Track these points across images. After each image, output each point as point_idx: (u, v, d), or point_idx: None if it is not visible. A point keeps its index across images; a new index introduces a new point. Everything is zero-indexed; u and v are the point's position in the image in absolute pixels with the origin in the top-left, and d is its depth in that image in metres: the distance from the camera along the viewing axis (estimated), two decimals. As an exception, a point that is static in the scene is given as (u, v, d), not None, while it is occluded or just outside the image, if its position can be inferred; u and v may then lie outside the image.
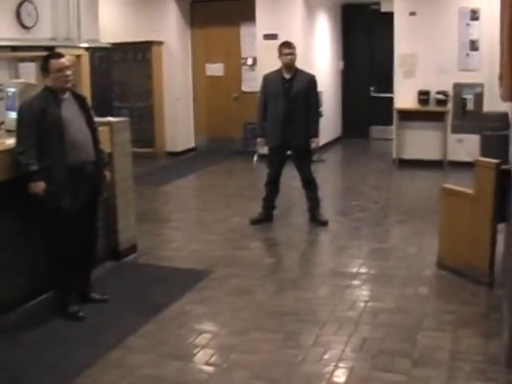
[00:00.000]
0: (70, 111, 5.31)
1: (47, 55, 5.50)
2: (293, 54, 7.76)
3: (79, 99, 5.46)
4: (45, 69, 5.31)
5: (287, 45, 7.82)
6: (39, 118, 5.13)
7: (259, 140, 8.11)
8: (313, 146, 7.89)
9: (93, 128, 5.50)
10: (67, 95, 5.36)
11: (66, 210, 5.22)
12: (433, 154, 11.61)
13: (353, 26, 15.33)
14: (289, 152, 8.00)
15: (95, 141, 5.51)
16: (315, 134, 7.87)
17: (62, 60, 5.33)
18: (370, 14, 14.96)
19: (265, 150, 8.29)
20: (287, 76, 7.81)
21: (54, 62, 5.27)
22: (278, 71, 7.87)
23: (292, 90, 7.76)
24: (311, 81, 7.91)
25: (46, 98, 5.22)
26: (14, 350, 4.80)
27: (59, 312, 5.35)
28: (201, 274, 6.33)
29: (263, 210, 8.12)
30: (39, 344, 4.89)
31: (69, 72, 5.32)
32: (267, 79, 7.98)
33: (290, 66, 7.78)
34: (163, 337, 4.99)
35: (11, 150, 5.26)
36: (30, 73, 7.07)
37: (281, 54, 7.78)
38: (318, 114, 8.20)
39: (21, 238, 5.50)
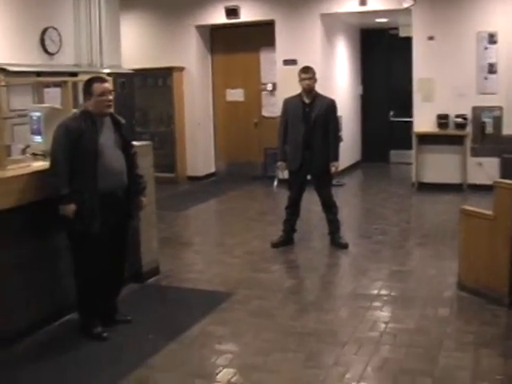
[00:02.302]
0: (106, 136, 5.33)
1: (90, 79, 5.47)
2: (311, 78, 7.85)
3: (117, 125, 5.47)
4: (87, 92, 5.32)
5: (306, 70, 7.92)
6: (75, 141, 5.14)
7: (280, 164, 8.19)
8: (332, 170, 7.94)
9: (129, 154, 5.51)
10: (106, 120, 5.38)
11: (95, 234, 5.23)
12: (452, 178, 11.62)
13: (372, 50, 15.46)
14: (309, 176, 8.07)
15: (133, 166, 5.53)
16: (335, 159, 7.93)
17: (105, 84, 5.37)
18: (388, 39, 15.08)
19: (285, 174, 8.35)
20: (307, 100, 7.89)
21: (96, 86, 5.28)
22: (298, 96, 7.96)
23: (312, 115, 7.84)
24: (331, 105, 7.99)
25: (84, 121, 5.23)
26: (39, 370, 4.86)
27: (84, 332, 5.41)
28: (222, 295, 6.39)
29: (284, 233, 8.18)
30: (64, 364, 4.96)
31: (111, 97, 5.35)
32: (287, 104, 8.07)
33: (309, 91, 7.87)
34: (186, 356, 5.05)
35: (38, 173, 5.35)
36: (54, 98, 7.19)
37: (300, 79, 7.87)
38: (338, 139, 8.25)
39: (48, 259, 5.59)
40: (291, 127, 7.94)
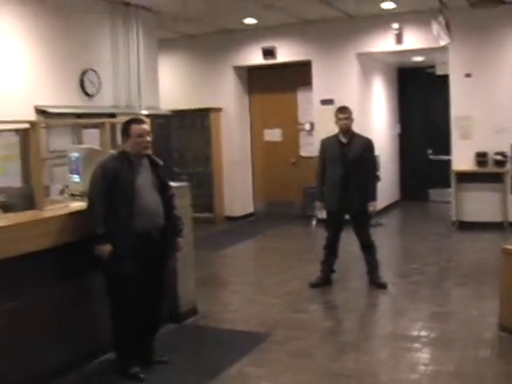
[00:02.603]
0: (143, 177, 5.36)
1: (128, 120, 5.54)
2: (348, 118, 7.85)
3: (155, 166, 5.49)
4: (125, 133, 5.37)
5: (343, 109, 7.93)
6: (112, 181, 5.18)
7: (317, 204, 8.17)
8: (370, 209, 7.90)
9: (167, 195, 5.54)
10: (143, 161, 5.42)
11: (130, 275, 5.23)
12: (493, 216, 11.49)
13: (409, 89, 15.46)
14: (347, 216, 8.04)
15: (170, 207, 5.55)
16: (373, 198, 7.90)
17: (144, 126, 5.41)
18: (425, 77, 15.05)
19: (323, 213, 8.31)
20: (344, 140, 7.88)
21: (134, 127, 5.34)
22: (335, 136, 7.96)
23: (349, 155, 7.82)
24: (368, 144, 7.98)
25: (121, 161, 5.27)
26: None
27: (120, 372, 5.40)
28: (260, 336, 6.35)
29: (322, 273, 8.13)
30: (101, 405, 4.96)
31: (149, 138, 5.39)
32: (325, 144, 8.07)
33: (346, 131, 7.86)
34: (223, 398, 5.02)
35: (76, 214, 5.39)
36: (93, 139, 7.26)
37: (337, 119, 7.88)
38: (376, 178, 8.24)
39: (84, 299, 5.61)
40: (329, 167, 7.93)
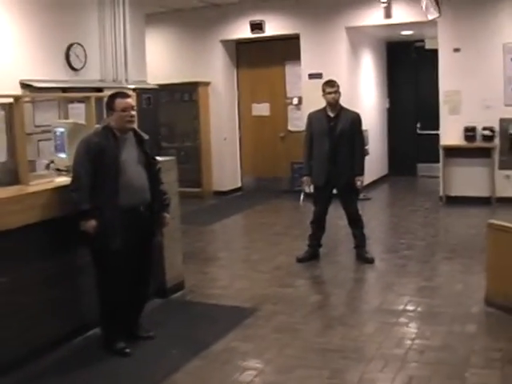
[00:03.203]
0: (128, 152, 5.31)
1: (113, 94, 5.47)
2: (336, 92, 7.80)
3: (140, 140, 5.44)
4: (109, 107, 5.31)
5: (330, 83, 7.87)
6: (96, 157, 5.13)
7: (305, 179, 8.14)
8: (358, 184, 7.88)
9: (153, 170, 5.50)
10: (128, 135, 5.37)
11: (116, 250, 5.20)
12: (481, 191, 11.49)
13: (398, 63, 15.41)
14: (335, 190, 8.02)
15: (157, 182, 5.51)
16: (360, 172, 7.87)
17: (128, 100, 5.34)
18: (414, 51, 15.01)
19: (311, 188, 8.28)
20: (331, 114, 7.84)
21: (119, 101, 5.28)
22: (323, 110, 7.91)
23: (337, 129, 7.78)
24: (356, 118, 7.93)
25: (106, 136, 5.22)
26: (61, 386, 4.86)
27: (106, 348, 5.39)
28: (247, 311, 6.35)
29: (309, 248, 8.13)
30: (86, 379, 4.95)
31: (133, 112, 5.33)
32: (312, 118, 8.03)
33: (333, 105, 7.82)
34: (208, 373, 5.01)
35: (61, 188, 5.35)
36: (79, 113, 7.19)
37: (324, 93, 7.83)
38: (363, 152, 8.20)
39: (70, 275, 5.59)
40: (316, 142, 7.89)
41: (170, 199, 5.83)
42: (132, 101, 5.43)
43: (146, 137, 5.53)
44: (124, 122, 5.28)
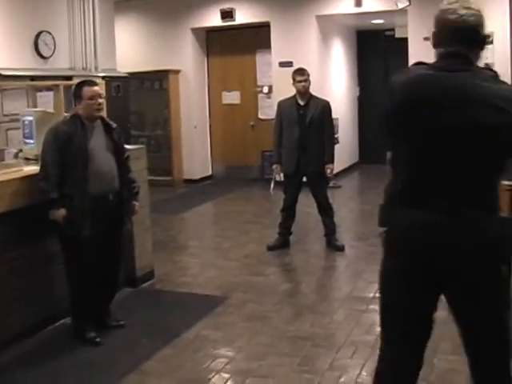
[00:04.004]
0: (97, 140, 5.31)
1: (80, 82, 5.48)
2: (306, 80, 7.81)
3: (109, 129, 5.44)
4: (77, 95, 5.30)
5: (300, 71, 7.88)
6: (64, 145, 5.12)
7: (275, 166, 8.15)
8: (328, 172, 7.90)
9: (122, 158, 5.50)
10: (96, 123, 5.36)
11: (85, 238, 5.20)
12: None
13: (368, 52, 15.42)
14: (305, 178, 8.03)
15: (125, 170, 5.52)
16: (330, 160, 7.89)
17: (95, 88, 5.34)
18: (384, 40, 15.04)
19: (281, 176, 8.29)
20: (301, 102, 7.86)
21: (86, 90, 5.27)
22: (293, 98, 7.92)
23: (306, 117, 7.80)
24: (326, 107, 7.94)
25: (74, 125, 5.21)
26: (31, 375, 4.84)
27: (77, 337, 5.37)
28: (217, 299, 6.36)
29: (279, 236, 8.14)
30: (56, 369, 4.93)
31: (101, 100, 5.33)
32: (282, 106, 8.03)
33: (303, 93, 7.83)
34: (179, 361, 5.01)
35: (29, 177, 5.32)
36: (48, 102, 7.16)
37: (294, 81, 7.83)
38: (333, 140, 8.21)
39: (39, 264, 5.56)
40: (286, 130, 7.91)
41: (139, 187, 5.81)
42: (99, 89, 5.43)
43: (115, 125, 5.53)
44: (92, 110, 5.27)
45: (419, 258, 3.08)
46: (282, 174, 8.17)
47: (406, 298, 3.21)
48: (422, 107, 3.01)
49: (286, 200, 8.08)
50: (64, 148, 5.13)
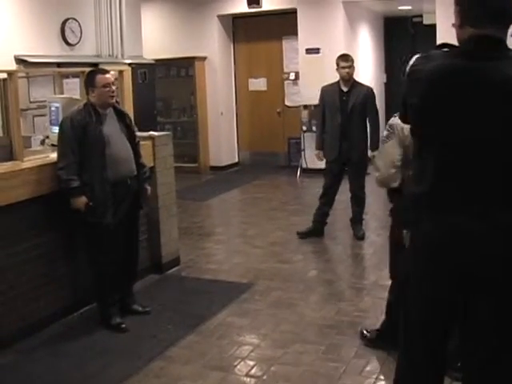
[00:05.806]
0: (111, 127, 5.36)
1: (92, 70, 5.57)
2: (350, 66, 7.72)
3: (121, 115, 5.51)
4: (90, 84, 5.35)
5: (344, 57, 7.80)
6: (80, 134, 5.17)
7: (317, 153, 8.09)
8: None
9: (134, 143, 5.55)
10: (109, 111, 5.41)
11: (107, 224, 5.25)
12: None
13: (395, 38, 15.29)
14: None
15: (137, 155, 5.55)
16: (375, 148, 7.68)
17: (108, 76, 5.38)
18: (412, 27, 14.91)
19: (313, 163, 8.15)
20: (344, 89, 7.77)
21: (99, 78, 5.32)
22: (336, 84, 7.84)
23: (349, 103, 7.72)
24: (369, 93, 7.86)
25: (88, 113, 5.25)
26: (57, 361, 4.87)
27: (102, 323, 5.40)
28: (243, 286, 6.36)
29: (312, 223, 8.05)
30: (82, 355, 4.96)
31: (114, 88, 5.38)
32: (324, 92, 7.95)
33: (347, 79, 7.74)
34: (204, 348, 5.02)
35: (55, 164, 5.34)
36: (74, 88, 7.16)
37: (338, 67, 7.75)
38: (378, 127, 8.04)
39: (65, 251, 5.59)
40: (328, 116, 7.83)
41: (150, 172, 5.92)
42: (112, 77, 5.47)
43: (126, 111, 5.65)
44: (106, 98, 5.33)
45: (450, 268, 2.74)
46: (323, 160, 8.06)
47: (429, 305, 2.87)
48: (454, 103, 2.66)
49: (325, 185, 7.98)
50: (81, 137, 5.19)
